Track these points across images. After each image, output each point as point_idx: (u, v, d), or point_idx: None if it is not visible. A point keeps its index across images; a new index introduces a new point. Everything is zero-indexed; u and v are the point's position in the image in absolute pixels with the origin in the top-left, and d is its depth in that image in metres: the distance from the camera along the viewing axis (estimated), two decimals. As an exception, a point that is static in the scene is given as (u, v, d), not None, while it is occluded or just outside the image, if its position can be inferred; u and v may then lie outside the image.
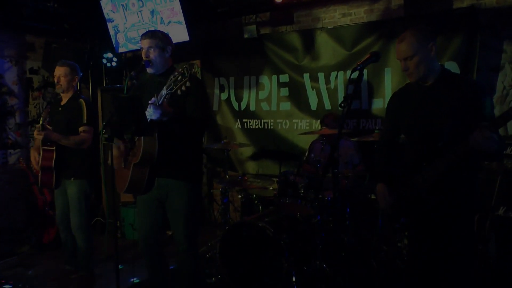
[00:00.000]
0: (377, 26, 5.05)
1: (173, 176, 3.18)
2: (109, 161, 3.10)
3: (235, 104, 6.17)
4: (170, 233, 4.70)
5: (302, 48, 5.56)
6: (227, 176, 5.02)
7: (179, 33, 5.45)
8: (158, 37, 3.20)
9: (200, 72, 6.48)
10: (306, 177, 4.26)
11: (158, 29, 5.36)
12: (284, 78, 5.74)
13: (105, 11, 5.94)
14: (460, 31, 4.51)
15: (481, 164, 4.04)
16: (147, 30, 3.85)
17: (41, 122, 3.90)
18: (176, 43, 5.30)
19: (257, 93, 5.98)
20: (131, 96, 3.09)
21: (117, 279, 3.13)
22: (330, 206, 4.21)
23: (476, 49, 4.49)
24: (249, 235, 3.89)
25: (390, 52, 4.90)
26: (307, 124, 5.61)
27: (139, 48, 3.31)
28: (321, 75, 5.44)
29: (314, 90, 5.51)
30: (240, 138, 6.12)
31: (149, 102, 2.88)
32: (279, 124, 5.84)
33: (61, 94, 4.23)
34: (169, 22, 5.52)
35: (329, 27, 5.42)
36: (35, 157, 4.15)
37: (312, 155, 4.65)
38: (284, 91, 5.76)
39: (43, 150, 4.03)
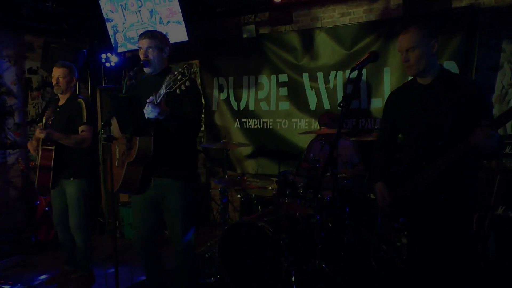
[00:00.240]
0: (376, 25, 5.05)
1: (169, 176, 3.19)
2: (113, 160, 3.11)
3: (234, 104, 6.17)
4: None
5: (301, 47, 5.56)
6: (226, 176, 5.02)
7: (178, 33, 5.46)
8: (157, 37, 3.22)
9: (199, 72, 6.48)
10: (305, 177, 4.26)
11: (157, 29, 5.38)
12: (283, 77, 5.74)
13: (104, 11, 5.94)
14: (459, 30, 4.51)
15: (480, 163, 4.05)
16: (146, 30, 3.86)
17: (44, 121, 3.88)
18: (175, 43, 5.38)
19: (256, 93, 5.98)
20: (130, 96, 3.09)
21: (117, 279, 3.13)
22: (329, 205, 4.21)
23: (475, 49, 4.49)
24: (248, 235, 3.88)
25: (389, 52, 4.90)
26: (306, 123, 5.61)
27: (138, 48, 3.31)
28: (320, 75, 5.44)
29: (313, 89, 5.51)
30: (239, 138, 6.12)
31: (147, 100, 2.88)
32: (278, 124, 5.84)
33: (59, 95, 4.24)
34: (168, 22, 5.52)
35: (328, 26, 5.42)
36: (33, 146, 4.13)
37: (311, 154, 4.65)
38: (283, 91, 5.76)
39: (42, 149, 4.02)
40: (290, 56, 5.65)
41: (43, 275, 4.72)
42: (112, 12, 5.90)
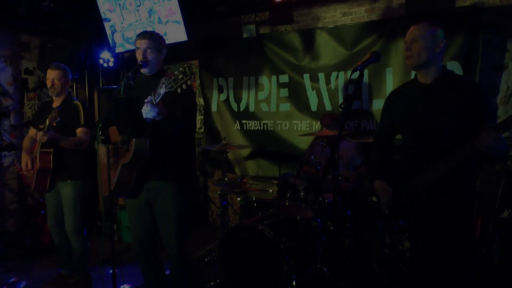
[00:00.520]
0: (378, 25, 5.05)
1: (163, 178, 3.20)
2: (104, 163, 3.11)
3: (234, 105, 6.18)
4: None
5: (302, 48, 5.57)
6: (225, 178, 5.02)
7: (177, 33, 5.47)
8: (156, 38, 3.25)
9: (198, 73, 6.49)
10: (306, 179, 4.27)
11: (156, 28, 5.40)
12: (284, 78, 5.75)
13: (101, 10, 5.95)
14: (462, 30, 4.51)
15: (483, 166, 4.06)
16: (144, 30, 3.88)
17: (47, 123, 3.89)
18: (174, 43, 5.41)
19: (256, 94, 5.99)
20: (128, 97, 3.11)
21: (114, 283, 3.13)
22: (330, 208, 4.21)
23: (479, 49, 4.48)
24: (249, 238, 3.89)
25: (391, 52, 4.91)
26: (307, 125, 5.61)
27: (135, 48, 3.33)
28: (321, 75, 5.45)
29: (314, 90, 5.52)
30: (239, 139, 6.12)
31: (146, 100, 2.89)
32: (279, 125, 5.84)
33: (53, 97, 4.28)
34: (167, 21, 5.53)
35: (329, 26, 5.42)
36: (27, 162, 4.17)
37: (312, 156, 4.65)
38: (284, 92, 5.77)
39: (41, 152, 4.05)
40: (291, 57, 5.66)
41: (39, 279, 4.71)
42: (110, 11, 5.91)
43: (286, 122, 5.79)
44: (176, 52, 5.53)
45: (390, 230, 4.30)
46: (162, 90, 2.83)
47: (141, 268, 3.42)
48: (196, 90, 6.59)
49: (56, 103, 4.26)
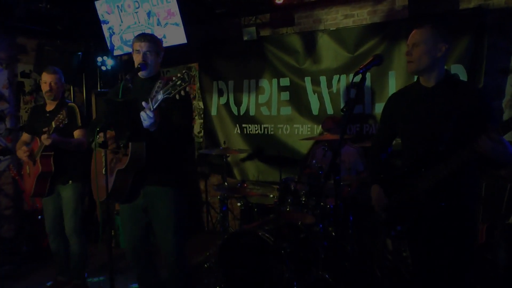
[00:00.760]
0: (381, 27, 5.07)
1: (160, 183, 3.21)
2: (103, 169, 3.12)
3: (234, 109, 6.19)
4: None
5: (303, 50, 5.59)
6: (225, 183, 5.03)
7: (176, 35, 5.49)
8: (156, 41, 3.27)
9: (198, 76, 6.50)
10: (308, 184, 4.27)
11: (155, 31, 5.42)
12: (285, 81, 5.77)
13: (99, 12, 5.97)
14: (467, 32, 4.52)
15: (488, 171, 4.06)
16: (142, 32, 3.90)
17: (53, 125, 3.91)
18: (173, 46, 5.43)
19: (257, 97, 6.01)
20: (126, 101, 3.12)
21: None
22: (332, 214, 4.21)
23: (483, 51, 4.49)
24: (249, 244, 3.90)
25: (394, 55, 4.93)
26: (309, 129, 5.63)
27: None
28: (322, 79, 5.47)
29: (316, 94, 5.54)
30: (239, 143, 6.14)
31: (144, 105, 2.89)
32: (280, 129, 5.86)
33: (48, 101, 4.31)
34: (166, 23, 5.55)
35: (331, 29, 5.45)
36: (29, 166, 4.19)
37: (314, 161, 4.66)
38: (285, 95, 5.79)
39: (42, 156, 4.08)
40: (292, 59, 5.68)
41: (35, 286, 4.72)
42: (108, 13, 5.93)
43: (287, 126, 5.80)
44: (175, 54, 5.57)
45: (387, 236, 4.30)
46: (159, 96, 2.82)
47: (137, 273, 3.42)
48: (195, 94, 6.61)
49: (50, 107, 4.30)
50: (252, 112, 6.05)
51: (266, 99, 5.94)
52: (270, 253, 3.78)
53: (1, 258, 5.47)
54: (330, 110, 5.43)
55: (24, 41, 6.16)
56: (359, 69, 2.56)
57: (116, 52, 6.19)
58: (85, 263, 4.35)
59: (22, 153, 4.18)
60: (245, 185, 4.69)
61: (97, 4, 5.94)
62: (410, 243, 2.92)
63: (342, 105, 5.25)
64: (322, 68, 5.48)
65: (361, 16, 5.35)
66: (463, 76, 4.53)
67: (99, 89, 6.69)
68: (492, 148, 2.29)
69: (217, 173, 6.54)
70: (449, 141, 2.54)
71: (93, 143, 2.98)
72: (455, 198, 2.58)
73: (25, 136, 4.45)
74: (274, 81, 5.85)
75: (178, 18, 5.43)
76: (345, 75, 5.31)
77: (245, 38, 5.84)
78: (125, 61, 6.76)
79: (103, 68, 6.43)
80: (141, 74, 3.25)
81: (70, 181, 4.21)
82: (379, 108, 5.10)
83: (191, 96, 6.43)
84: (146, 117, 2.85)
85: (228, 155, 5.13)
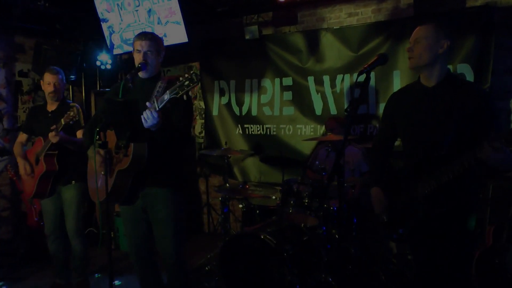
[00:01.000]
0: (385, 26, 5.08)
1: (160, 184, 3.22)
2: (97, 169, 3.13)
3: (236, 109, 6.21)
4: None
5: (306, 49, 5.60)
6: (227, 185, 5.05)
7: (177, 34, 5.50)
8: (156, 40, 3.26)
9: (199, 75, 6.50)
10: (311, 186, 4.28)
11: (155, 29, 5.43)
12: (288, 81, 5.78)
13: (99, 10, 5.98)
14: (473, 31, 4.52)
15: (494, 174, 4.05)
16: (143, 30, 3.91)
17: (63, 123, 3.94)
18: (174, 45, 5.44)
19: (259, 97, 6.02)
20: (127, 100, 3.13)
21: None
22: (335, 216, 4.22)
23: (491, 50, 4.49)
24: (251, 246, 3.91)
25: (399, 54, 4.93)
26: (312, 129, 5.64)
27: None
28: (326, 78, 5.48)
29: (319, 94, 5.55)
30: (241, 144, 6.15)
31: (147, 105, 2.91)
32: (282, 130, 5.87)
33: (50, 101, 4.34)
34: (167, 22, 5.56)
35: (334, 27, 5.46)
36: (25, 167, 4.22)
37: (317, 162, 4.67)
38: (288, 95, 5.80)
39: (46, 155, 4.10)
40: (295, 59, 5.69)
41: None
42: (108, 11, 5.95)
43: (290, 126, 5.81)
44: (176, 53, 5.59)
45: (389, 239, 4.30)
46: (166, 96, 2.83)
47: (138, 276, 3.43)
48: (196, 93, 6.62)
49: (52, 107, 4.33)
50: (254, 112, 6.06)
51: (268, 99, 5.95)
52: (272, 255, 3.78)
53: (-1, 260, 5.50)
54: (333, 110, 5.44)
55: (22, 40, 6.17)
56: (363, 69, 2.57)
57: (115, 51, 6.20)
58: (87, 262, 4.43)
59: (21, 165, 4.24)
60: (247, 186, 4.70)
61: (96, 2, 5.94)
62: (412, 246, 2.93)
63: (345, 105, 5.26)
64: (325, 67, 5.49)
65: (365, 14, 5.35)
66: (470, 76, 4.53)
67: (98, 89, 6.71)
68: (493, 157, 2.26)
69: (218, 174, 6.55)
70: (451, 145, 2.52)
71: (93, 143, 2.98)
72: (456, 204, 2.57)
73: (22, 137, 4.47)
74: (277, 80, 5.86)
75: (179, 17, 5.44)
76: (349, 75, 5.32)
77: (247, 37, 5.84)
78: (125, 60, 6.77)
79: (103, 67, 6.43)
80: (141, 74, 3.25)
81: (73, 181, 4.25)
82: (384, 107, 5.10)
83: (192, 96, 6.44)
84: (150, 117, 2.84)
85: (229, 156, 5.14)
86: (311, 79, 5.59)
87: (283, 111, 5.85)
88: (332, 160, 4.43)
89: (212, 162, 6.46)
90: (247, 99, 6.11)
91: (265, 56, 5.88)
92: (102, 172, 3.13)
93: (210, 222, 6.58)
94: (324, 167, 4.33)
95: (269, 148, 5.95)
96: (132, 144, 3.03)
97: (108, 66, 6.43)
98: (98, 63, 6.39)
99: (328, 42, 5.44)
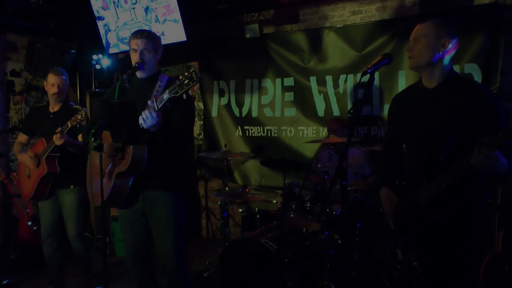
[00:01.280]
0: (390, 24, 5.09)
1: (160, 187, 3.22)
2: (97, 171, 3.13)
3: (236, 110, 6.21)
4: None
5: (308, 49, 5.61)
6: (226, 188, 5.05)
7: (175, 32, 5.51)
8: (153, 38, 3.26)
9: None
10: (313, 189, 4.28)
11: (153, 28, 5.44)
12: (289, 81, 5.79)
13: (94, 8, 5.98)
14: (481, 30, 4.53)
15: (501, 179, 4.04)
16: (140, 28, 3.91)
17: (69, 126, 3.95)
18: (172, 43, 5.45)
19: (259, 98, 6.02)
20: (123, 101, 3.13)
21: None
22: (338, 220, 4.23)
23: (499, 50, 4.49)
24: (251, 252, 3.91)
25: (404, 54, 4.91)
26: (314, 131, 5.64)
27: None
28: (329, 79, 5.48)
29: (322, 94, 5.55)
30: (241, 146, 6.15)
31: (149, 103, 2.91)
32: (284, 132, 5.87)
33: (54, 102, 4.36)
34: (165, 20, 5.57)
35: (337, 26, 5.46)
36: (33, 160, 4.23)
37: (319, 165, 4.68)
38: (289, 96, 5.81)
39: (48, 157, 4.11)
40: (297, 58, 5.70)
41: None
42: (104, 9, 5.95)
43: (291, 128, 5.81)
44: (174, 53, 5.59)
45: (396, 246, 4.30)
46: (165, 95, 2.84)
47: (135, 281, 3.43)
48: (195, 94, 6.63)
49: (55, 108, 4.35)
50: (254, 114, 6.07)
51: (269, 99, 5.95)
52: (273, 261, 3.79)
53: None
54: (336, 112, 5.44)
55: (14, 38, 6.16)
56: (367, 69, 2.55)
57: (111, 50, 6.21)
58: (91, 260, 4.46)
59: (28, 158, 4.21)
60: (247, 190, 4.70)
61: (92, -1, 5.97)
62: (418, 253, 2.92)
63: (349, 106, 5.26)
64: (328, 67, 5.50)
65: (370, 12, 5.36)
66: (478, 76, 4.54)
67: (93, 89, 6.70)
68: (484, 163, 2.19)
69: (218, 178, 6.55)
70: (451, 149, 2.48)
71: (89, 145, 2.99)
72: (460, 209, 2.53)
73: (22, 137, 4.49)
74: (278, 81, 5.87)
75: (177, 15, 5.44)
76: (352, 75, 5.33)
77: (248, 35, 5.85)
78: (122, 59, 6.76)
79: (98, 67, 6.44)
80: (139, 73, 3.25)
81: (72, 186, 4.27)
82: (388, 109, 5.10)
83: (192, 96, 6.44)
84: (149, 117, 2.85)
85: (229, 158, 5.15)
86: (313, 79, 5.60)
87: (284, 112, 5.86)
88: (334, 163, 4.44)
89: (211, 165, 6.47)
90: (247, 99, 6.11)
91: (266, 55, 5.89)
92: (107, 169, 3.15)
93: (209, 227, 6.57)
94: (326, 170, 4.33)
95: (270, 151, 5.95)
96: (131, 146, 3.03)
97: (104, 66, 6.44)
98: (93, 62, 6.39)
99: (331, 41, 5.45)
